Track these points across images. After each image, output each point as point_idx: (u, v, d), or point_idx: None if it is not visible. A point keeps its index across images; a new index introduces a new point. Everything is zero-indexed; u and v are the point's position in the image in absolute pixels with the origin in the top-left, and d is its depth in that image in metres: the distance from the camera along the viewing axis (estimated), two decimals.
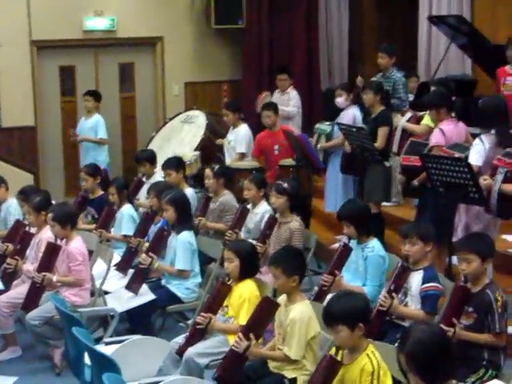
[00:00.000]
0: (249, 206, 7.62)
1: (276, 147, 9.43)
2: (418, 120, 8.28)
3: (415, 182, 7.29)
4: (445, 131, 7.24)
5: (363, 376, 4.34)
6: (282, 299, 5.26)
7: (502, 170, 6.23)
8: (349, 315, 4.39)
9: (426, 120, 7.97)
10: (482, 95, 9.29)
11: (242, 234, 7.44)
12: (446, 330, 4.85)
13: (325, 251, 8.53)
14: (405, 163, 7.37)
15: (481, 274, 5.20)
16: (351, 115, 9.13)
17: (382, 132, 8.27)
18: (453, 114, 7.45)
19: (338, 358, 4.37)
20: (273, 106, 9.66)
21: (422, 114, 8.31)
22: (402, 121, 8.48)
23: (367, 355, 4.40)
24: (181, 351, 5.48)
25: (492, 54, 9.75)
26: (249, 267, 5.72)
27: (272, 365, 5.19)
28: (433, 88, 8.31)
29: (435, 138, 7.28)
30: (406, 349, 3.76)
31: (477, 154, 6.58)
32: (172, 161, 8.59)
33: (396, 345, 4.09)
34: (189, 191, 8.19)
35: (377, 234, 6.67)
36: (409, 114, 8.57)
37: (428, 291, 5.49)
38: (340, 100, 9.23)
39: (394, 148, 8.32)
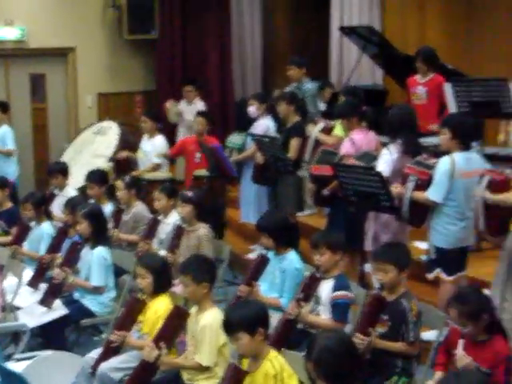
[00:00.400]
0: (160, 217, 7.56)
1: (198, 155, 9.38)
2: (330, 130, 8.32)
3: (326, 191, 7.33)
4: (355, 140, 7.32)
5: (267, 381, 4.37)
6: (193, 311, 5.26)
7: (412, 178, 6.31)
8: (247, 322, 4.42)
9: (338, 130, 8.03)
10: (393, 105, 9.43)
11: (155, 245, 7.38)
12: (362, 339, 4.91)
13: (240, 262, 8.52)
14: (315, 172, 7.41)
15: (397, 284, 5.26)
16: (264, 125, 9.12)
17: (295, 143, 8.29)
18: (364, 124, 7.52)
19: (244, 367, 4.40)
20: (206, 115, 9.65)
21: (333, 123, 8.35)
22: (314, 131, 8.51)
23: (270, 360, 4.43)
24: (94, 368, 5.40)
25: (402, 63, 9.90)
26: (162, 282, 5.69)
27: (185, 377, 5.18)
28: (342, 97, 8.38)
29: (345, 148, 7.35)
30: (313, 356, 3.79)
31: (384, 163, 6.64)
32: (96, 174, 8.38)
33: (303, 353, 4.09)
34: (109, 207, 8.09)
35: (292, 244, 6.69)
36: (322, 124, 8.59)
37: (338, 300, 5.52)
38: (252, 109, 9.20)
39: (307, 158, 8.33)
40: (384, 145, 7.27)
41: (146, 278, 5.62)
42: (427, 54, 8.99)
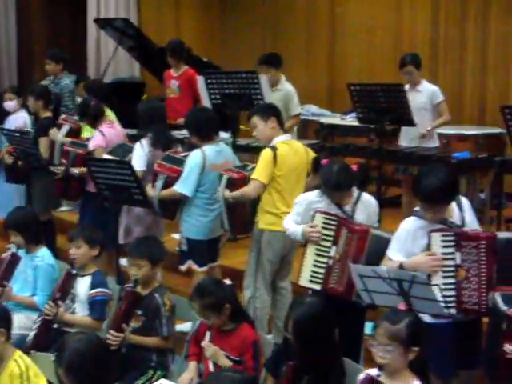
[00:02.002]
0: None
1: None
2: (78, 130, 8.05)
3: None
4: (105, 133, 7.29)
5: (13, 381, 4.25)
6: None
7: (161, 176, 6.39)
8: None
9: (88, 131, 7.89)
10: (151, 97, 9.48)
11: None
12: (115, 335, 4.92)
13: None
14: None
15: (151, 278, 5.30)
16: (22, 119, 8.86)
17: (42, 142, 7.97)
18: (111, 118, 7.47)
19: None
20: None
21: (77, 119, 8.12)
22: (59, 136, 8.18)
23: (15, 360, 4.31)
24: None
25: (158, 57, 9.96)
26: None
27: None
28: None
29: (96, 141, 7.28)
30: (63, 362, 3.71)
31: (139, 158, 6.68)
32: None
33: (53, 358, 4.01)
34: None
35: (48, 241, 6.54)
36: (66, 127, 8.25)
37: (96, 297, 5.50)
38: (11, 104, 8.92)
39: (56, 162, 7.99)
40: (131, 137, 7.32)
41: None
42: (172, 47, 9.13)
